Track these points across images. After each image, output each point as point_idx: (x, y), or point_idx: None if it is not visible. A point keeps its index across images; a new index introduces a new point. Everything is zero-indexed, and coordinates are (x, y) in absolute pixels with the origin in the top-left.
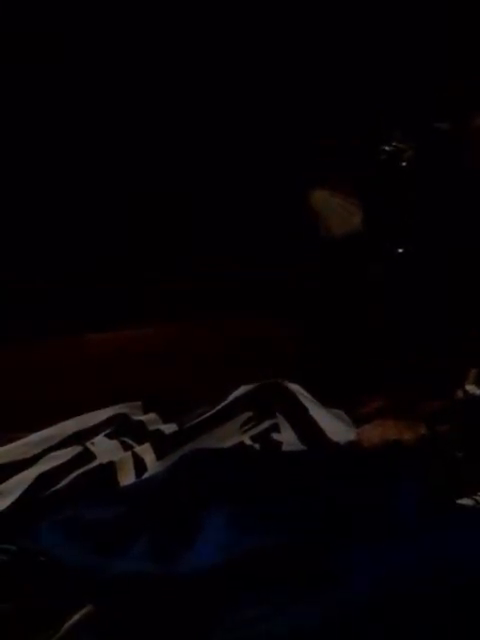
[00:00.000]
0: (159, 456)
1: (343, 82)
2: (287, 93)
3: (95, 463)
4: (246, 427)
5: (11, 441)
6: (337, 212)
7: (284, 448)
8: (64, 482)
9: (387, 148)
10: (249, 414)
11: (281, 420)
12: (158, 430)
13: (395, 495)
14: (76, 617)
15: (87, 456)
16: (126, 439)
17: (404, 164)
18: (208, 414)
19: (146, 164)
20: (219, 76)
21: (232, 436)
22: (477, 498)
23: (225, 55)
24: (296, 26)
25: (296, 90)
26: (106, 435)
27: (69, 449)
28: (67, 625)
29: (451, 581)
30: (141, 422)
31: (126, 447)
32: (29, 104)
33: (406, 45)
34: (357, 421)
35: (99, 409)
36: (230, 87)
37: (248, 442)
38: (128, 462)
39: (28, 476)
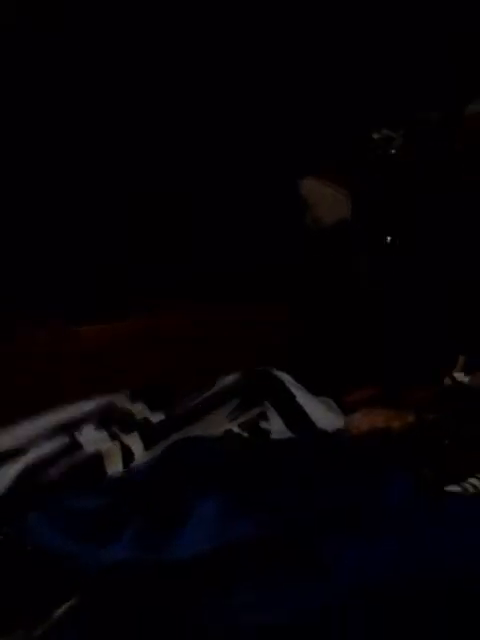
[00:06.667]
0: (147, 445)
1: (334, 71)
2: (280, 86)
3: (82, 453)
4: (234, 415)
5: None
6: (326, 201)
7: (272, 436)
8: (51, 472)
9: (377, 136)
10: (237, 402)
11: (269, 408)
12: (146, 419)
13: (383, 483)
14: (64, 607)
15: (74, 446)
16: (113, 429)
17: (393, 152)
18: (196, 402)
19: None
20: (214, 69)
21: (220, 424)
22: (465, 485)
23: (221, 51)
24: (289, 21)
25: (289, 82)
26: (93, 425)
27: (56, 439)
28: (55, 615)
29: (437, 571)
30: (128, 411)
31: (113, 437)
32: (29, 103)
33: (398, 34)
34: (345, 409)
35: (86, 399)
36: (224, 84)
37: (236, 430)
38: (115, 452)
39: (15, 466)
